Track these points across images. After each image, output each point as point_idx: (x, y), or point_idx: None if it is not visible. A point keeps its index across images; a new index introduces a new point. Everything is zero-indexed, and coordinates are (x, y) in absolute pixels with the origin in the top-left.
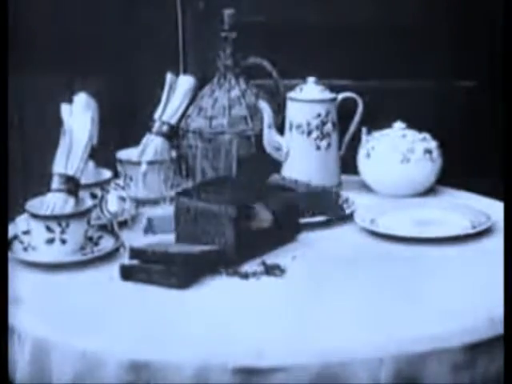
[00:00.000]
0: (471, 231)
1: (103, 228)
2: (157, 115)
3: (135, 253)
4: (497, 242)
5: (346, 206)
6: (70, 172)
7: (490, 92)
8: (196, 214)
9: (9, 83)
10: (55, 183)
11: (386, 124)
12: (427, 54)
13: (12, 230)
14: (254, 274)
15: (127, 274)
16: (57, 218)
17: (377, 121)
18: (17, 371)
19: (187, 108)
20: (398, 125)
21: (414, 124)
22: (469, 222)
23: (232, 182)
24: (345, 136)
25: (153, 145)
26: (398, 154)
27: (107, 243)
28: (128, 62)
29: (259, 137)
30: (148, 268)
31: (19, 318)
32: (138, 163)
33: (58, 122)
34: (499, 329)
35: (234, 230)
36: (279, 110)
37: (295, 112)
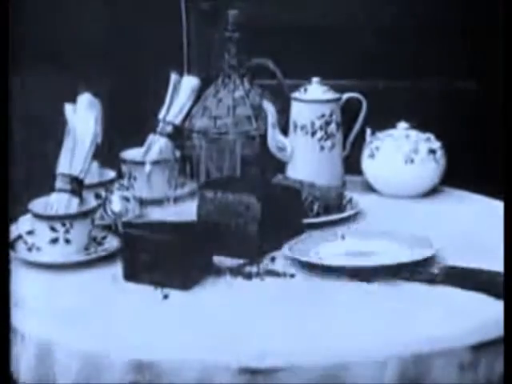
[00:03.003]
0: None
1: (107, 228)
2: (161, 115)
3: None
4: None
5: (349, 206)
6: (74, 172)
7: (491, 92)
8: (219, 205)
9: (11, 83)
10: (59, 183)
11: (390, 124)
12: (429, 54)
13: (16, 230)
14: (258, 274)
15: (130, 274)
16: (61, 218)
17: (380, 121)
18: (20, 372)
19: (191, 108)
20: (402, 125)
21: (418, 124)
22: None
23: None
24: (349, 136)
25: (157, 145)
26: (402, 154)
27: (111, 243)
28: (132, 62)
29: (263, 137)
30: (151, 269)
31: (23, 318)
32: (142, 163)
33: (62, 122)
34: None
35: (258, 225)
36: (283, 111)
37: (299, 112)
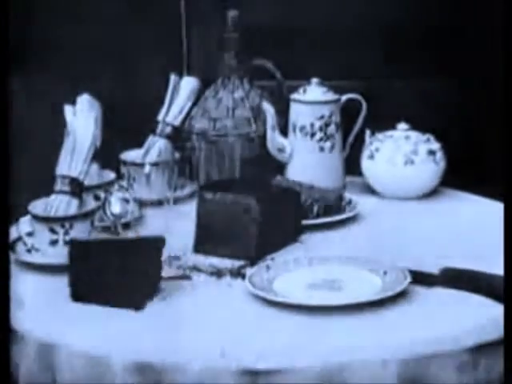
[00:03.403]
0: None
1: (107, 230)
2: (160, 117)
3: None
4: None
5: (349, 207)
6: (74, 174)
7: (491, 91)
8: (218, 207)
9: (11, 84)
10: (59, 185)
11: (390, 125)
12: (430, 54)
13: (15, 232)
14: None
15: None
16: (60, 220)
17: (380, 122)
18: (20, 372)
19: (191, 109)
20: (402, 126)
21: (418, 125)
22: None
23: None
24: (348, 137)
25: (156, 146)
26: (402, 155)
27: None
28: (131, 63)
29: (263, 138)
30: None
31: (23, 319)
32: (142, 165)
33: (62, 124)
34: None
35: (257, 226)
36: (283, 112)
37: (299, 113)
